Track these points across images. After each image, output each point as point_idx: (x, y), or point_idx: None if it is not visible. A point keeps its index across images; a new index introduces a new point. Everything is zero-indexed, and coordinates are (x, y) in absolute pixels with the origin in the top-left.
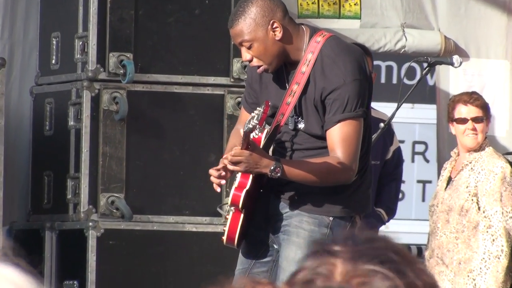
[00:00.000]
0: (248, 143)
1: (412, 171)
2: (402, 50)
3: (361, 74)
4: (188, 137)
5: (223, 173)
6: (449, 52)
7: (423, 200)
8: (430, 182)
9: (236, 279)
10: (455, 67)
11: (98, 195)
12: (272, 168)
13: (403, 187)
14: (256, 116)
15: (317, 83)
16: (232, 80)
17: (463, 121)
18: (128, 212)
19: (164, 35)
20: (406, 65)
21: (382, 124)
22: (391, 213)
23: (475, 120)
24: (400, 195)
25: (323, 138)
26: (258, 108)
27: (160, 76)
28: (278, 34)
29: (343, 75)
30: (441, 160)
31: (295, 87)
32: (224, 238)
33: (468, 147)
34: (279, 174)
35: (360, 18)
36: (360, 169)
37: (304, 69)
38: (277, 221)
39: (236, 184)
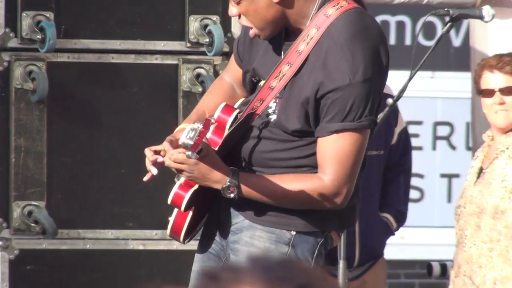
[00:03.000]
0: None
1: (433, 162)
2: (426, 0)
3: (374, 71)
4: (130, 123)
5: (160, 159)
6: (489, 2)
7: (449, 200)
8: (457, 176)
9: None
10: (486, 22)
11: (10, 204)
12: (225, 185)
13: (422, 183)
14: (193, 133)
15: (314, 73)
16: (188, 45)
17: (489, 93)
18: (51, 226)
19: None
20: (422, 20)
21: (390, 100)
22: (402, 218)
23: (504, 91)
24: (419, 195)
25: (297, 132)
26: (197, 123)
27: (92, 41)
28: None
29: (349, 71)
30: (478, 148)
31: (286, 69)
32: (168, 229)
33: (499, 128)
34: (233, 195)
35: None
36: None
37: (302, 47)
38: (228, 232)
39: (182, 178)
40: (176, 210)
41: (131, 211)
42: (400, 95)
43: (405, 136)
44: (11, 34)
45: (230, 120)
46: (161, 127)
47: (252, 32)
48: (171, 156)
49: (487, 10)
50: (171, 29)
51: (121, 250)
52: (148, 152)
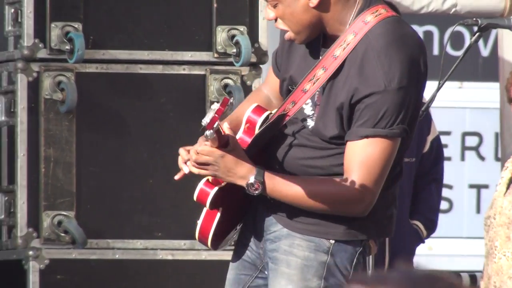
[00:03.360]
0: (225, 141)
1: (462, 173)
2: (453, 10)
3: (410, 80)
4: (158, 134)
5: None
6: None
7: (478, 211)
8: (486, 187)
9: None
10: None
11: (40, 214)
12: (250, 182)
13: (451, 194)
14: (212, 112)
15: (349, 80)
16: (216, 55)
17: None
18: (80, 236)
19: None
20: (450, 30)
21: None
22: (432, 227)
23: None
24: (448, 205)
25: (334, 139)
26: (216, 103)
27: (120, 52)
28: (314, 0)
29: (385, 78)
30: (506, 159)
31: (320, 73)
32: (196, 233)
33: None
34: (257, 192)
35: None
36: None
37: (338, 52)
38: (266, 241)
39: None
40: (203, 213)
41: (160, 221)
42: (428, 105)
43: (437, 144)
44: (40, 45)
45: (260, 120)
46: (189, 138)
47: (287, 35)
48: (197, 148)
49: None
50: (199, 40)
51: (149, 260)
52: (182, 151)
